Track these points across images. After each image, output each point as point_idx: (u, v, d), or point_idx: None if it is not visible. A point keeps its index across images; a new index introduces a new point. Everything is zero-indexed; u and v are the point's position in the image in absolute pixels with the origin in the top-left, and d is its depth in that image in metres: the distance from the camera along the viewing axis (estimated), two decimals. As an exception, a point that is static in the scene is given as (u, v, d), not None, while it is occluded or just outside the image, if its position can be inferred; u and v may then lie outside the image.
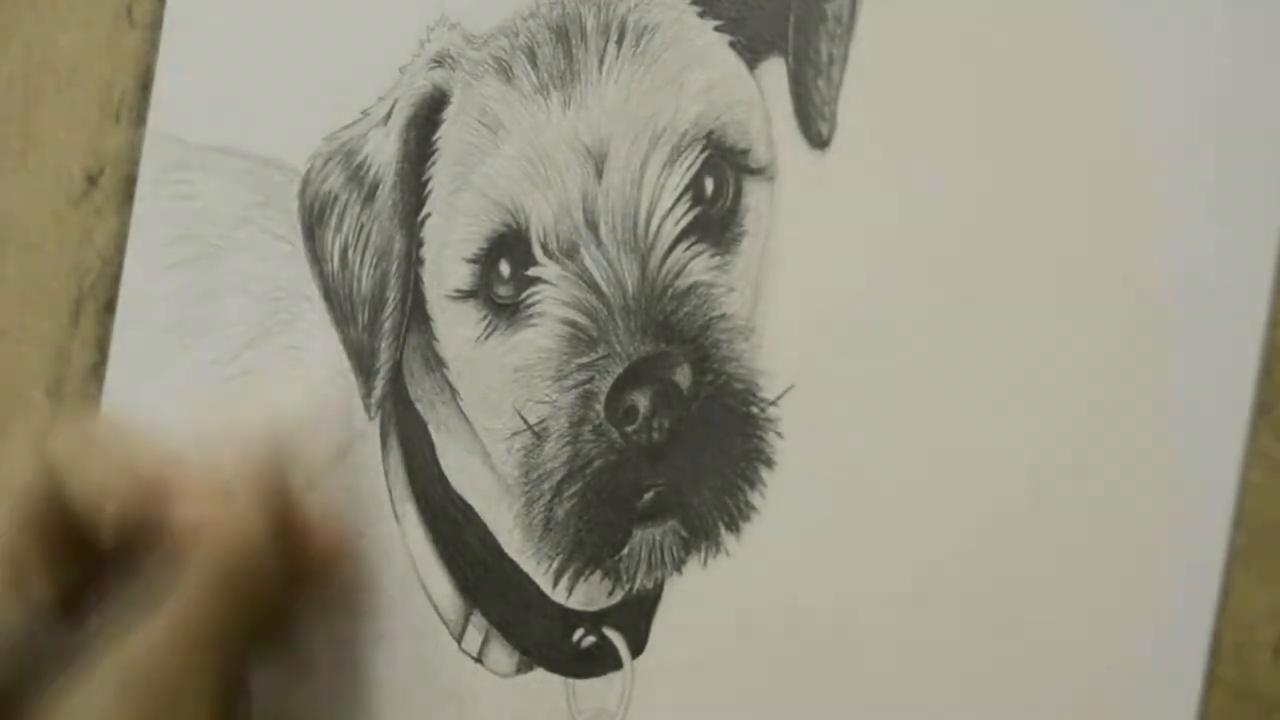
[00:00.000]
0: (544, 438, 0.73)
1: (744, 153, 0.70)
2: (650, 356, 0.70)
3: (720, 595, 0.69)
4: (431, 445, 0.78)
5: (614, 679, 0.72)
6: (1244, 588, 0.58)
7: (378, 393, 0.79)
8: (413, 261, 0.78)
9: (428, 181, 0.78)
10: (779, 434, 0.68)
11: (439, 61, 0.78)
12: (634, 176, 0.72)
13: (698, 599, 0.70)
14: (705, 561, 0.70)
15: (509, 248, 0.74)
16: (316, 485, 0.53)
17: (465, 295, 0.76)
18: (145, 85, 0.91)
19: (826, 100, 0.68)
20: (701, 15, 0.72)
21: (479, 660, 0.76)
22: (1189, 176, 0.60)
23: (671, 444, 0.70)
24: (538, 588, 0.74)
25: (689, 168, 0.71)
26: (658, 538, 0.71)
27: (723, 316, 0.70)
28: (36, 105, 0.95)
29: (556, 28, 0.74)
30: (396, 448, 0.79)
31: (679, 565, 0.71)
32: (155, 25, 0.91)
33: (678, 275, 0.70)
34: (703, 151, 0.71)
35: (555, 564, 0.74)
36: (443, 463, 0.78)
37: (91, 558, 0.62)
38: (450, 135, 0.77)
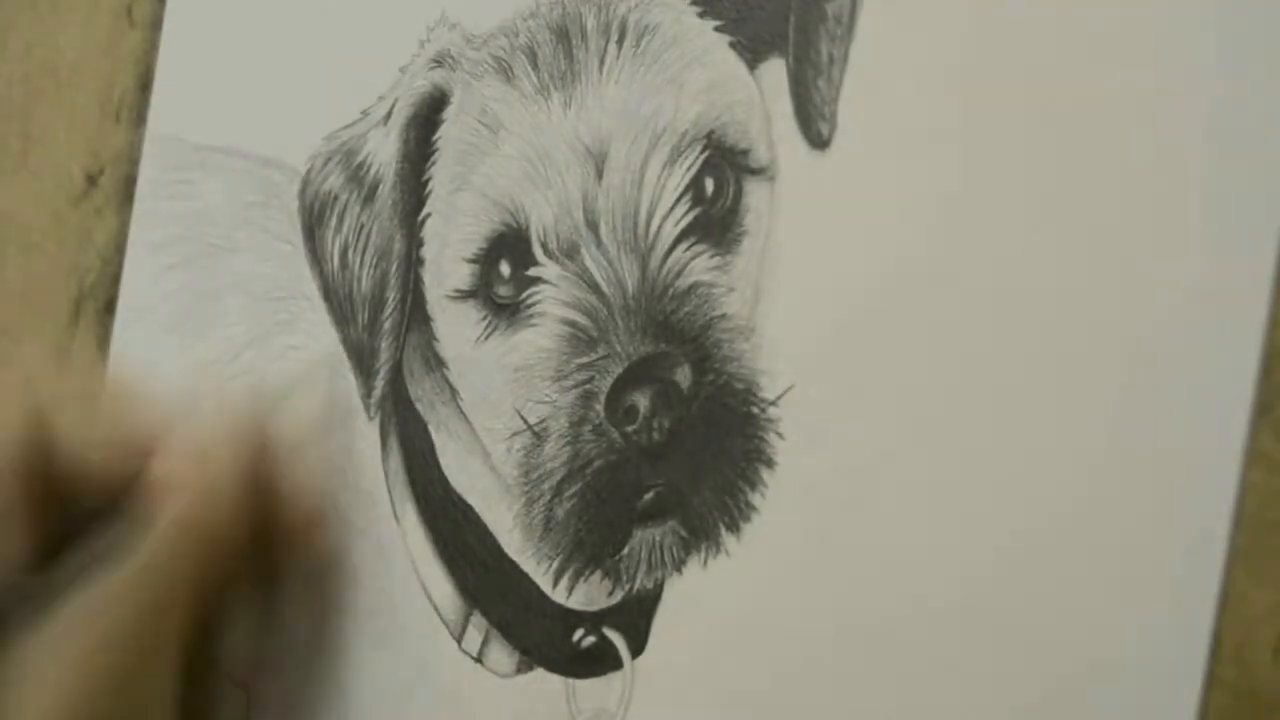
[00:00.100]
0: (544, 438, 0.73)
1: (744, 153, 0.70)
2: (650, 356, 0.70)
3: (720, 595, 0.69)
4: (431, 445, 0.78)
5: (614, 679, 0.72)
6: (1244, 588, 0.58)
7: (378, 393, 0.79)
8: (413, 261, 0.78)
9: (428, 181, 0.78)
10: (779, 434, 0.68)
11: (439, 61, 0.78)
12: (634, 176, 0.72)
13: (698, 599, 0.70)
14: (705, 561, 0.70)
15: (509, 248, 0.74)
16: (301, 453, 0.53)
17: (465, 295, 0.76)
18: (145, 85, 0.91)
19: (826, 100, 0.68)
20: (701, 15, 0.72)
21: (479, 660, 0.76)
22: (1189, 177, 0.60)
23: (671, 444, 0.70)
24: (538, 588, 0.74)
25: (689, 168, 0.71)
26: (658, 538, 0.71)
27: (723, 316, 0.70)
28: (36, 105, 0.95)
29: (557, 28, 0.74)
30: (396, 448, 0.79)
31: (679, 565, 0.71)
32: (155, 25, 0.91)
33: (678, 275, 0.70)
34: (703, 151, 0.71)
35: (555, 564, 0.74)
36: (443, 463, 0.78)
37: (75, 510, 0.62)
38: (450, 135, 0.77)
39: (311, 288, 0.82)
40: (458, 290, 0.76)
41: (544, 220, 0.73)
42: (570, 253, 0.73)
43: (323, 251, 0.81)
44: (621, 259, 0.71)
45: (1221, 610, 0.58)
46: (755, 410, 0.69)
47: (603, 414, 0.71)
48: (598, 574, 0.73)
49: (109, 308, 0.91)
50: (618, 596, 0.72)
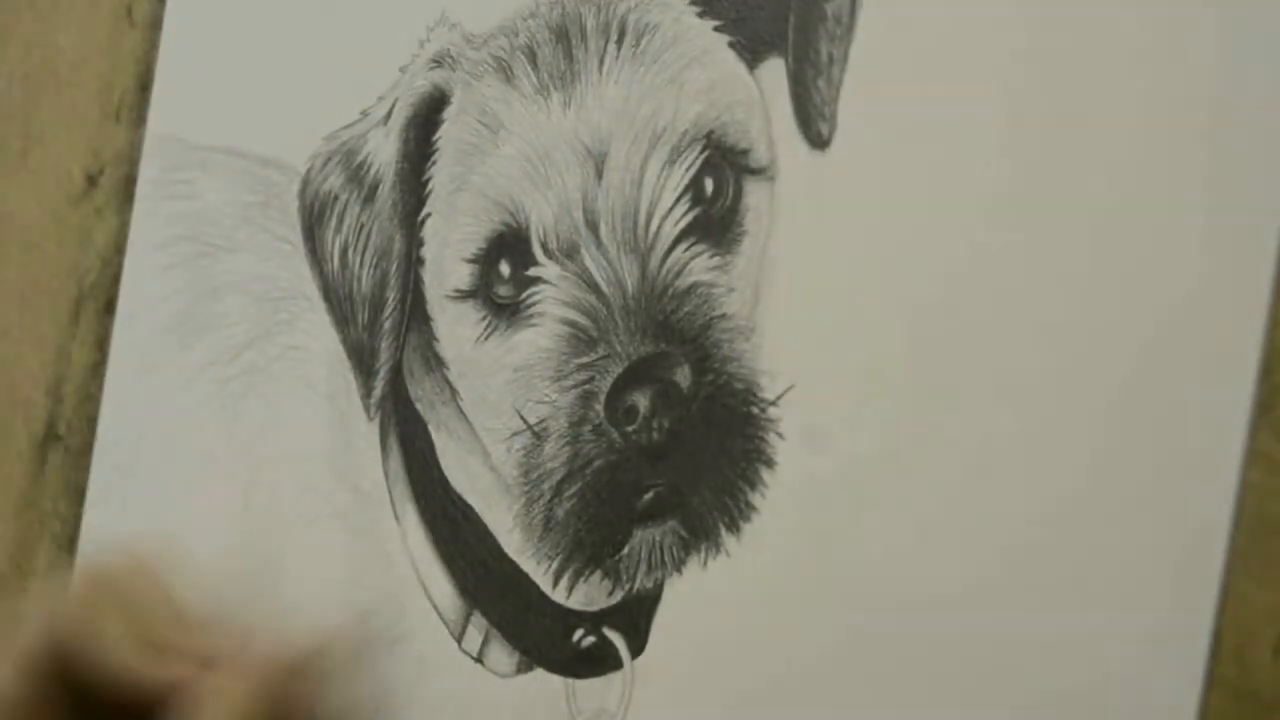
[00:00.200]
0: (544, 438, 0.73)
1: (744, 153, 0.70)
2: (650, 356, 0.70)
3: (720, 595, 0.69)
4: (431, 445, 0.78)
5: (614, 679, 0.72)
6: (1244, 588, 0.58)
7: (378, 393, 0.79)
8: (413, 261, 0.78)
9: (428, 181, 0.77)
10: (779, 434, 0.68)
11: (439, 61, 0.78)
12: (634, 176, 0.72)
13: (698, 599, 0.70)
14: (705, 562, 0.70)
15: (509, 248, 0.74)
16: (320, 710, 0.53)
17: (465, 295, 0.76)
18: (145, 85, 0.91)
19: (826, 100, 0.68)
20: (701, 15, 0.72)
21: (479, 660, 0.76)
22: (1189, 177, 0.60)
23: (671, 444, 0.70)
24: (538, 588, 0.74)
25: (689, 168, 0.71)
26: (658, 538, 0.71)
27: (723, 316, 0.70)
28: (36, 105, 0.95)
29: (556, 28, 0.74)
30: (396, 448, 0.79)
31: (679, 565, 0.71)
32: (155, 25, 0.91)
33: (678, 275, 0.70)
34: (703, 151, 0.71)
35: (555, 564, 0.74)
36: (443, 463, 0.78)
37: (99, 713, 0.62)
38: (450, 135, 0.77)
39: (311, 288, 0.82)
40: (458, 290, 0.76)
41: (544, 220, 0.73)
42: (570, 253, 0.73)
43: (323, 251, 0.81)
44: (621, 259, 0.71)
45: (1221, 610, 0.58)
46: (755, 410, 0.69)
47: (603, 414, 0.71)
48: (598, 574, 0.73)
49: (109, 308, 0.91)
50: (618, 596, 0.72)
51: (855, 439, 0.66)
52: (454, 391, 0.77)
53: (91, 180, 0.93)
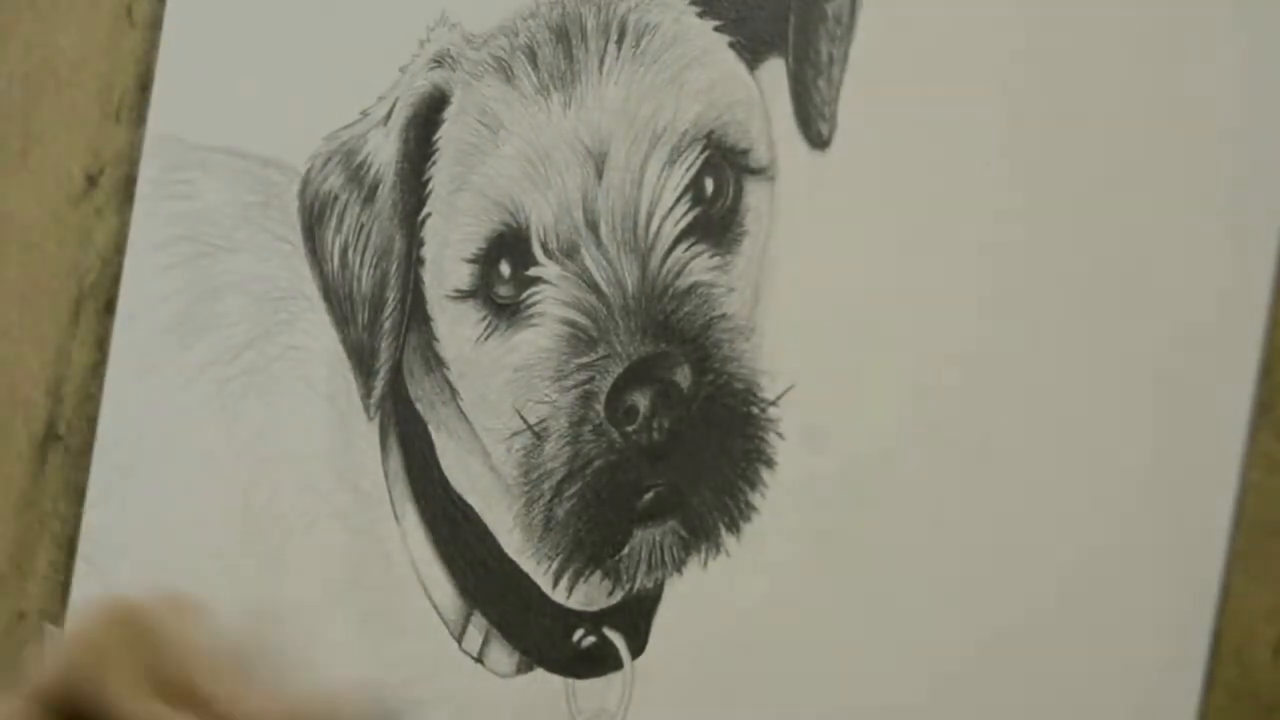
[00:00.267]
0: (544, 438, 0.73)
1: (744, 153, 0.70)
2: (650, 356, 0.70)
3: (720, 595, 0.69)
4: (431, 445, 0.78)
5: (614, 679, 0.72)
6: (1244, 588, 0.58)
7: (377, 393, 0.79)
8: (413, 261, 0.78)
9: (428, 181, 0.78)
10: (779, 434, 0.68)
11: (439, 61, 0.78)
12: (634, 176, 0.72)
13: (698, 599, 0.70)
14: (705, 562, 0.70)
15: (509, 248, 0.74)
16: None
17: (465, 295, 0.76)
18: (145, 85, 0.91)
19: (826, 100, 0.68)
20: (701, 15, 0.72)
21: (479, 660, 0.76)
22: (1189, 177, 0.60)
23: (671, 444, 0.70)
24: (538, 588, 0.74)
25: (689, 168, 0.71)
26: (658, 538, 0.71)
27: (723, 316, 0.70)
28: (36, 105, 0.95)
29: (556, 28, 0.74)
30: (396, 448, 0.79)
31: (679, 565, 0.71)
32: (155, 25, 0.91)
33: (678, 275, 0.70)
34: (703, 151, 0.71)
35: (555, 564, 0.74)
36: (443, 463, 0.78)
37: None
38: (450, 135, 0.77)
39: (311, 288, 0.82)
40: (458, 290, 0.76)
41: (544, 220, 0.73)
42: (570, 253, 0.73)
43: (323, 251, 0.81)
44: (621, 259, 0.71)
45: (1221, 610, 0.58)
46: (755, 410, 0.69)
47: (603, 414, 0.71)
48: (598, 574, 0.73)
49: (109, 308, 0.91)
50: (618, 596, 0.72)
51: (855, 439, 0.66)
52: (454, 391, 0.77)
53: (91, 180, 0.93)
